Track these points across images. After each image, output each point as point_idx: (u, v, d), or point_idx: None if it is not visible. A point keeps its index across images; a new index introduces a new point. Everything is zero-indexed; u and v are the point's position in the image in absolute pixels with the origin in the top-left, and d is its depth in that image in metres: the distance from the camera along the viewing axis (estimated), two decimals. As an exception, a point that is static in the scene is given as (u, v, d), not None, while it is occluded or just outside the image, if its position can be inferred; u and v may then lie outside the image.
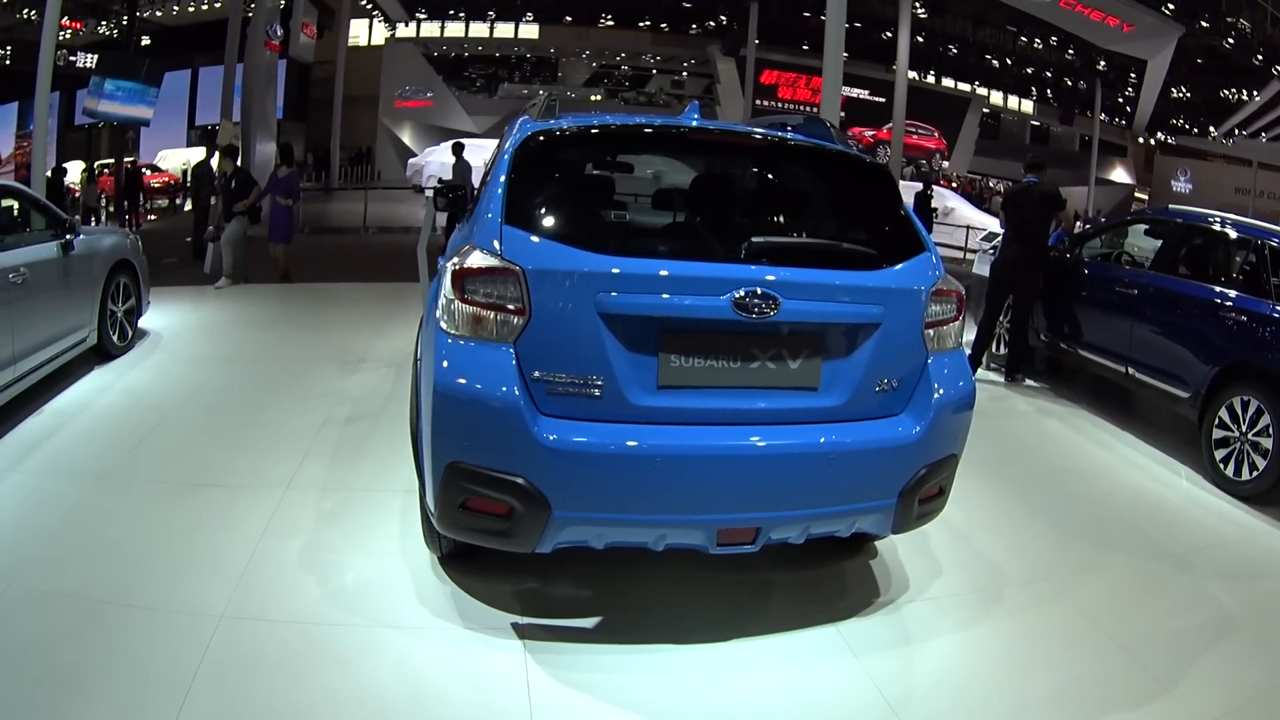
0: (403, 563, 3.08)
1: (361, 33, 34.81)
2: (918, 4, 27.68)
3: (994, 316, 6.14)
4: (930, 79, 35.83)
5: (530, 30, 37.40)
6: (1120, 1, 24.60)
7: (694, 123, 2.95)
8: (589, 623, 2.81)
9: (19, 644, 2.51)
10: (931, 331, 2.70)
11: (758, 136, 2.99)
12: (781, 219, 3.07)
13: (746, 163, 3.21)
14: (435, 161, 21.04)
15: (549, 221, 2.50)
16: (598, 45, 39.34)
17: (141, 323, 6.03)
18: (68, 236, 4.86)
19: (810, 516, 2.54)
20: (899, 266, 2.68)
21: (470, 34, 37.55)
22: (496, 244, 2.41)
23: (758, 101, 31.20)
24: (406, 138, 31.43)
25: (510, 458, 2.32)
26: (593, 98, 39.31)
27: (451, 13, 36.11)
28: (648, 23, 37.11)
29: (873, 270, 2.64)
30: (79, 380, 4.96)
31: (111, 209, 17.71)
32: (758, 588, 3.11)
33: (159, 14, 28.12)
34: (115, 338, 5.41)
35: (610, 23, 36.92)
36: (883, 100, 23.27)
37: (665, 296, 2.37)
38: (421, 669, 2.50)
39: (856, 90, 33.32)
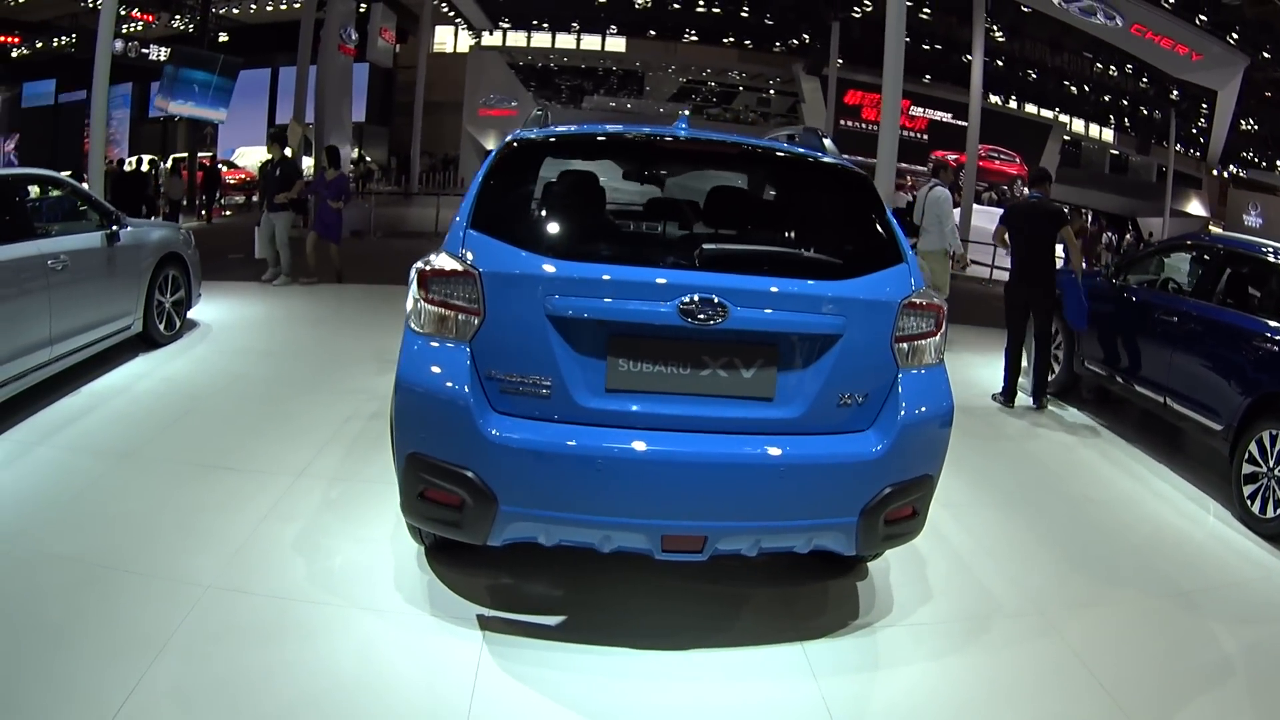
0: (390, 551, 3.19)
1: (448, 39, 35.48)
2: (994, 28, 27.08)
3: (1018, 341, 5.95)
4: (1013, 104, 34.94)
5: (617, 43, 37.18)
6: (1189, 30, 23.78)
7: (679, 132, 2.97)
8: (552, 620, 2.85)
9: (15, 599, 2.73)
10: (904, 345, 2.62)
11: (731, 145, 2.98)
12: (749, 227, 3.06)
13: (721, 171, 3.20)
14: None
15: (510, 226, 2.58)
16: (684, 60, 39.32)
17: (194, 314, 6.39)
18: (113, 228, 5.16)
19: (761, 529, 2.50)
20: (868, 277, 2.61)
21: (557, 45, 37.64)
22: (460, 247, 2.51)
23: (841, 122, 30.87)
24: (490, 145, 32.09)
25: (460, 451, 2.40)
26: (680, 113, 39.45)
27: (535, 23, 36.36)
28: (731, 39, 37.07)
29: (836, 280, 2.58)
30: (122, 365, 5.28)
31: (185, 203, 18.39)
32: (733, 600, 3.09)
33: (235, 11, 28.91)
34: (162, 327, 5.74)
35: (694, 38, 36.99)
36: (966, 124, 22.87)
37: (612, 301, 2.41)
38: (379, 649, 2.60)
39: (939, 114, 32.71)
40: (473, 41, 35.24)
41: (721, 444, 2.45)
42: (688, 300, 2.38)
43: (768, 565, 3.21)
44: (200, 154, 20.59)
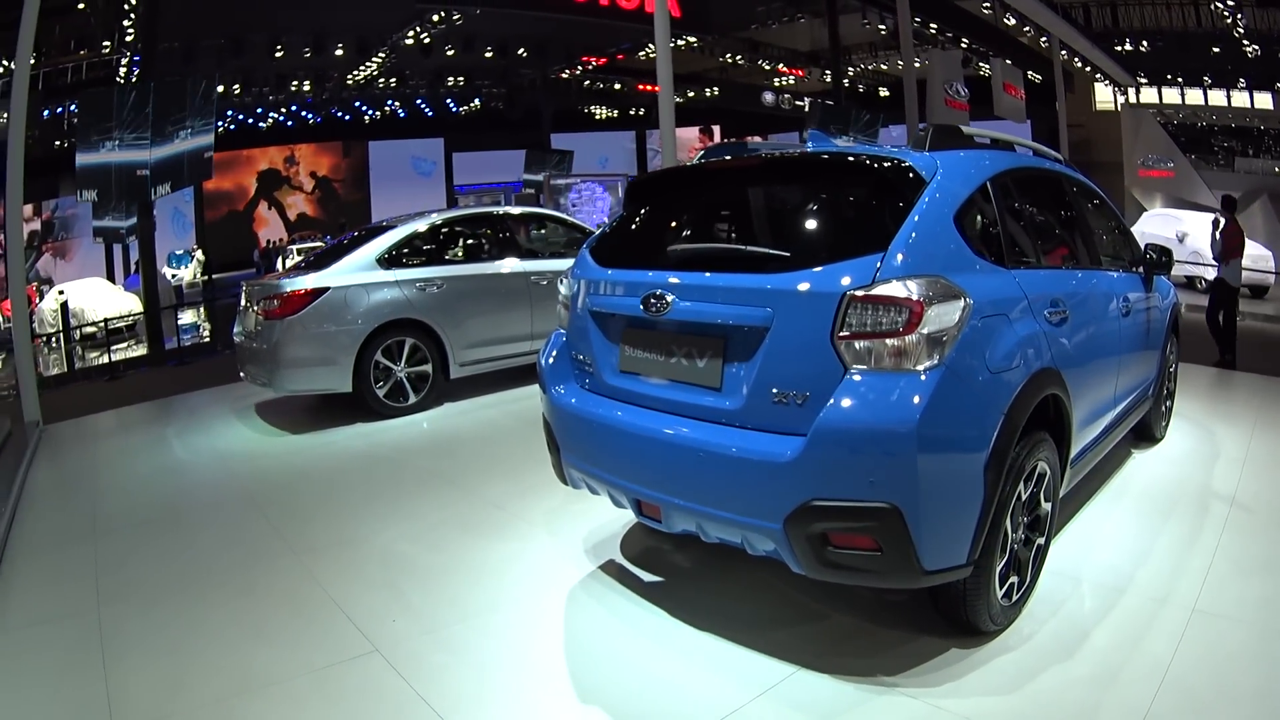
0: (621, 514, 3.85)
1: (1110, 97, 34.17)
2: None
3: None
4: None
5: (1264, 100, 31.70)
6: None
7: (741, 151, 3.22)
8: (649, 577, 3.36)
9: (368, 476, 4.85)
10: (854, 344, 2.42)
11: (767, 157, 3.14)
12: (744, 229, 3.21)
13: (758, 182, 3.27)
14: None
15: (600, 246, 3.31)
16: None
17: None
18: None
19: (699, 513, 2.67)
20: (812, 270, 2.52)
21: (1209, 102, 33.42)
22: (575, 263, 3.38)
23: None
24: (1151, 208, 29.31)
25: (548, 409, 3.28)
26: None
27: (1169, 77, 32.52)
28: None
29: (769, 273, 2.61)
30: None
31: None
32: (807, 614, 3.07)
33: (884, 67, 30.32)
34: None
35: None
36: None
37: (615, 297, 3.01)
38: (524, 558, 3.65)
39: None
40: (1121, 99, 33.25)
41: (674, 425, 2.74)
42: (647, 295, 2.82)
43: (894, 602, 3.06)
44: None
